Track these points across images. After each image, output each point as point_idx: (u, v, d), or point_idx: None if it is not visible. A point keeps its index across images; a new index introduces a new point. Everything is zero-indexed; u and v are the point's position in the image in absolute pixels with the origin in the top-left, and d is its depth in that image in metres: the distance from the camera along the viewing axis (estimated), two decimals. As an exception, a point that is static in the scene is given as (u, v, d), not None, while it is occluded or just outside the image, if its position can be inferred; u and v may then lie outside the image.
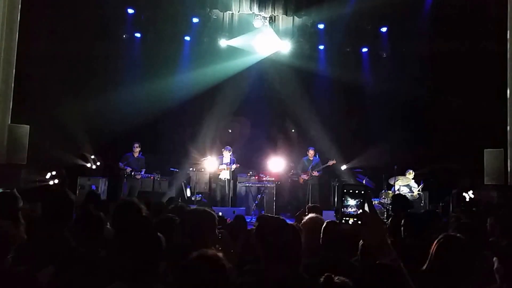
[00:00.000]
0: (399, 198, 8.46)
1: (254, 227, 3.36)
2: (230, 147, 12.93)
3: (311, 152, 13.16)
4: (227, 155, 12.87)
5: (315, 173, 12.94)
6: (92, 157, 13.13)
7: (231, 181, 13.05)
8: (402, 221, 4.69)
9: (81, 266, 3.18)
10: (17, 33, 9.81)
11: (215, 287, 2.29)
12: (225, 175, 12.84)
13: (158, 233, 2.66)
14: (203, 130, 14.04)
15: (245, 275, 3.23)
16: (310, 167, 12.93)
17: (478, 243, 4.18)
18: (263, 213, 11.23)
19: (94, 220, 4.09)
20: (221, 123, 14.10)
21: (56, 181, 11.15)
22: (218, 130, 14.13)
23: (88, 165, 13.05)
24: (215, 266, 2.32)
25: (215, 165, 12.87)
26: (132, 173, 12.36)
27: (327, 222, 4.09)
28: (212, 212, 3.56)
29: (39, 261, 3.10)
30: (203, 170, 13.45)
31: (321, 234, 3.92)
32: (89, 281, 3.01)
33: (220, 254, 2.43)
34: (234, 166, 12.80)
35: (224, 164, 12.84)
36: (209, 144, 14.02)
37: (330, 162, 12.95)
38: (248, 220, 7.14)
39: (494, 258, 3.28)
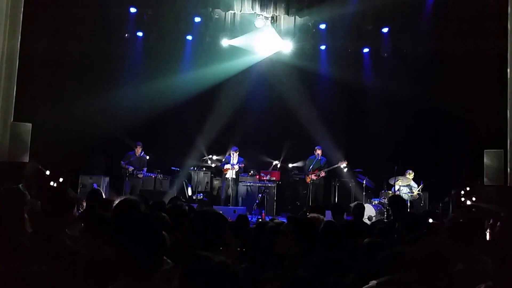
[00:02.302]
0: (396, 199, 8.51)
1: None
2: (237, 148, 13.00)
3: (318, 152, 13.07)
4: (235, 156, 12.95)
5: (323, 174, 12.94)
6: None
7: (238, 181, 13.15)
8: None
9: (84, 264, 3.22)
10: (20, 32, 9.83)
11: None
12: (231, 174, 12.92)
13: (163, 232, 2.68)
14: (205, 129, 14.07)
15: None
16: (311, 166, 12.93)
17: (476, 244, 4.22)
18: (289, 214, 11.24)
19: (99, 219, 4.13)
20: (223, 122, 14.12)
21: (60, 179, 11.18)
22: (220, 129, 14.15)
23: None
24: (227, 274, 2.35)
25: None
26: (134, 172, 12.42)
27: (325, 222, 4.14)
28: (223, 215, 3.59)
29: (38, 260, 3.12)
30: (204, 169, 13.51)
31: (321, 233, 3.97)
32: (92, 279, 3.05)
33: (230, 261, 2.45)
34: (237, 167, 12.87)
35: (231, 164, 12.91)
36: (211, 143, 14.07)
37: (341, 163, 12.89)
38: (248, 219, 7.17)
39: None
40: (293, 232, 3.26)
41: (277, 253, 3.28)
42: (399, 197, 10.04)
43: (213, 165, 13.67)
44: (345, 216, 7.42)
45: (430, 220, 6.27)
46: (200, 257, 2.39)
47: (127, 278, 2.49)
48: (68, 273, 3.15)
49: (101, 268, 3.15)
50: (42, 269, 3.04)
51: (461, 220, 4.89)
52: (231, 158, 12.99)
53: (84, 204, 5.76)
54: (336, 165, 12.94)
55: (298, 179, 13.64)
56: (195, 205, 9.10)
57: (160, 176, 12.95)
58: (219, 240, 3.28)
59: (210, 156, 13.36)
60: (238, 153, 13.00)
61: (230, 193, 12.89)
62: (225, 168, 13.00)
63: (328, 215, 7.00)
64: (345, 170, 13.17)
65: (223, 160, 13.30)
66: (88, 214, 4.01)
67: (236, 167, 12.87)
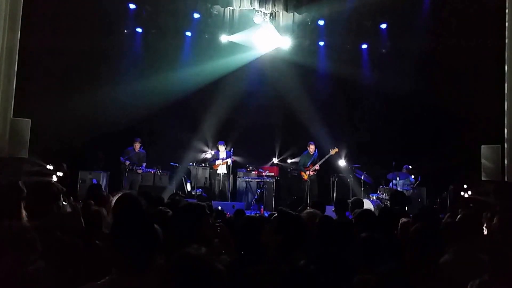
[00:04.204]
0: (397, 195, 8.58)
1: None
2: (224, 142, 13.02)
3: (311, 147, 13.08)
4: (222, 150, 12.98)
5: (317, 167, 12.92)
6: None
7: (230, 175, 13.15)
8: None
9: (76, 259, 3.23)
10: (19, 28, 9.84)
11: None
12: (222, 169, 12.94)
13: (155, 226, 2.69)
14: (204, 125, 14.10)
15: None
16: (310, 162, 12.93)
17: (473, 238, 4.27)
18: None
19: (93, 214, 4.15)
20: (222, 118, 14.14)
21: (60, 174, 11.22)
22: (219, 125, 14.18)
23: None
24: (201, 267, 2.39)
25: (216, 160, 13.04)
26: (133, 168, 12.45)
27: (322, 217, 4.17)
28: (202, 204, 3.63)
29: (28, 255, 3.14)
30: (203, 164, 13.54)
31: (317, 228, 4.00)
32: (85, 273, 3.07)
33: (203, 251, 2.48)
34: (229, 160, 12.88)
35: (220, 159, 12.93)
36: (209, 138, 14.10)
37: (332, 151, 12.85)
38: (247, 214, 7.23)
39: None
40: (274, 224, 3.31)
41: (262, 245, 3.32)
42: (401, 192, 10.11)
43: (209, 157, 13.67)
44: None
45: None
46: (183, 253, 2.43)
47: (119, 272, 2.50)
48: (58, 265, 3.15)
49: (93, 262, 3.18)
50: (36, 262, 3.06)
51: (459, 215, 4.96)
52: (219, 153, 13.01)
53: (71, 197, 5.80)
54: (328, 155, 12.90)
55: (296, 174, 13.66)
56: (194, 201, 9.12)
57: (159, 171, 12.97)
58: (198, 231, 3.32)
59: (210, 152, 13.37)
60: (225, 147, 13.01)
61: (223, 188, 12.93)
62: (216, 164, 13.01)
63: (328, 211, 7.03)
64: (343, 164, 13.21)
65: (212, 156, 13.27)
66: (84, 209, 4.02)
67: (229, 161, 12.90)
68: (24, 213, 3.90)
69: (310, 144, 13.13)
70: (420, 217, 5.16)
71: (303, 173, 12.97)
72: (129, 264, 2.50)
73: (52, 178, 11.05)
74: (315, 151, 13.09)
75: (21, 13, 9.80)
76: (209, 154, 13.35)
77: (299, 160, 13.25)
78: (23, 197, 4.03)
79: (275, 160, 13.96)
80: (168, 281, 2.38)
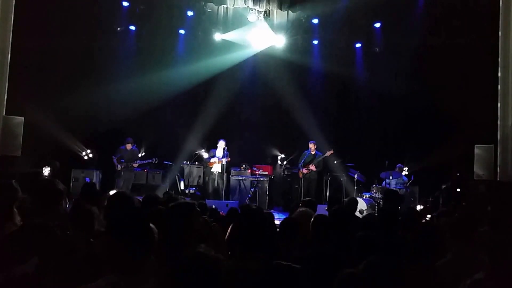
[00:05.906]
0: (390, 193, 8.58)
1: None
2: (225, 139, 12.96)
3: (310, 146, 12.97)
4: (220, 147, 12.89)
5: (313, 167, 12.90)
6: (88, 151, 13.14)
7: (224, 174, 13.10)
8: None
9: (70, 258, 3.21)
10: (12, 26, 9.79)
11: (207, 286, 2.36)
12: (216, 168, 12.90)
13: (151, 225, 2.68)
14: (197, 123, 14.06)
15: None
16: (302, 161, 12.90)
17: (466, 236, 4.28)
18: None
19: (85, 213, 4.13)
20: (215, 116, 14.11)
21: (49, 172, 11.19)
22: (212, 123, 14.14)
23: (83, 153, 13.08)
24: (209, 266, 2.38)
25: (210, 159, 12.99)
26: (128, 165, 12.33)
27: (315, 216, 4.18)
28: (191, 203, 3.63)
29: (24, 252, 3.11)
30: (197, 163, 13.51)
31: (311, 227, 4.00)
32: (79, 273, 3.05)
33: (212, 252, 2.48)
34: (224, 160, 12.84)
35: (216, 157, 12.89)
36: (203, 137, 14.06)
37: (328, 153, 12.76)
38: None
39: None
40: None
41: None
42: (394, 191, 10.12)
43: (203, 155, 13.62)
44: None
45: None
46: (195, 253, 2.42)
47: (116, 272, 2.49)
48: (57, 265, 3.14)
49: (90, 262, 3.16)
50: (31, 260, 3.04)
51: (451, 214, 4.97)
52: (216, 151, 12.97)
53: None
54: (323, 156, 12.90)
55: (290, 173, 13.66)
56: (188, 199, 9.10)
57: (155, 160, 12.70)
58: (189, 230, 3.33)
59: (203, 150, 13.34)
60: (225, 144, 12.92)
61: (217, 187, 12.90)
62: (210, 161, 12.97)
63: (320, 210, 7.03)
64: (336, 162, 13.20)
65: (209, 154, 13.24)
66: (76, 208, 4.01)
67: (224, 160, 12.85)
68: (16, 213, 3.88)
69: (310, 143, 13.05)
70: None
71: (300, 171, 12.96)
72: (124, 264, 2.49)
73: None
74: (315, 150, 13.01)
75: (13, 12, 9.76)
76: (203, 153, 13.29)
77: (300, 158, 13.20)
78: (18, 197, 4.01)
79: (269, 158, 13.94)
80: (172, 279, 2.38)
